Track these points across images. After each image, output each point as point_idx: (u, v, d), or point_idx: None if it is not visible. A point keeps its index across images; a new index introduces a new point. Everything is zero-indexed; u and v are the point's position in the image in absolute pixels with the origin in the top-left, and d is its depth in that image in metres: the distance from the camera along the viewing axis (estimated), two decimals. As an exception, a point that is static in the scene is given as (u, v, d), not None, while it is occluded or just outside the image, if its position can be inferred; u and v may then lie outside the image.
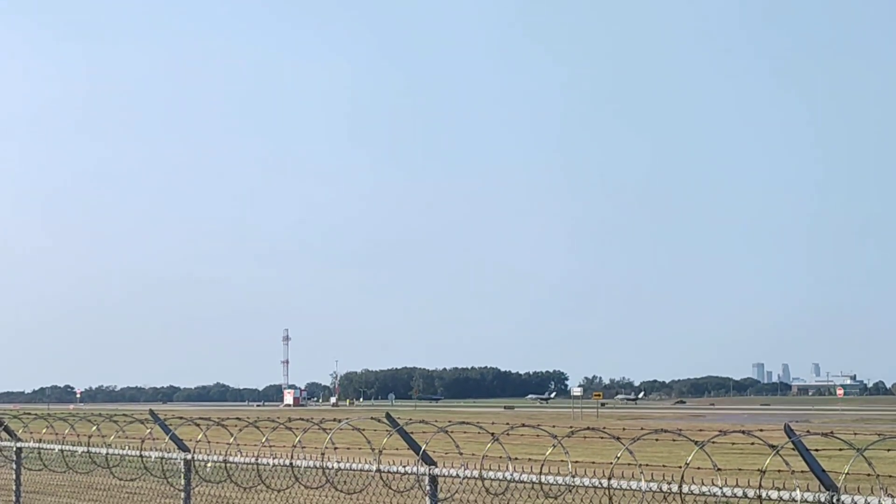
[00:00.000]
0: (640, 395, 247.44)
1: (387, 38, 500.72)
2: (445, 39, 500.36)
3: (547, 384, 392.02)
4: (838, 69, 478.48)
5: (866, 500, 8.01)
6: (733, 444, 10.29)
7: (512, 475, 10.36)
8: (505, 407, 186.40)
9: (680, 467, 8.89)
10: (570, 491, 10.06)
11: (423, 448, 11.18)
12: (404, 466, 11.36)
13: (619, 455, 9.48)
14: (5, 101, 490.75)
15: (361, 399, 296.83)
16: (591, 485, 9.62)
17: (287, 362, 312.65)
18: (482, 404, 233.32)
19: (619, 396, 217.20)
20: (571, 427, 10.91)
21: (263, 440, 12.86)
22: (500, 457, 10.62)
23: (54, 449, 16.40)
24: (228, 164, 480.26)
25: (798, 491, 8.28)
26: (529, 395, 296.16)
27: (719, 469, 9.05)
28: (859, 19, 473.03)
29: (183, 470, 14.15)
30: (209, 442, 13.90)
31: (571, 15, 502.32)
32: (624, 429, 11.52)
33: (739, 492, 8.66)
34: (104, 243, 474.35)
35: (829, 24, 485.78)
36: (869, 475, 8.56)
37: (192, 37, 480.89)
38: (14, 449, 17.41)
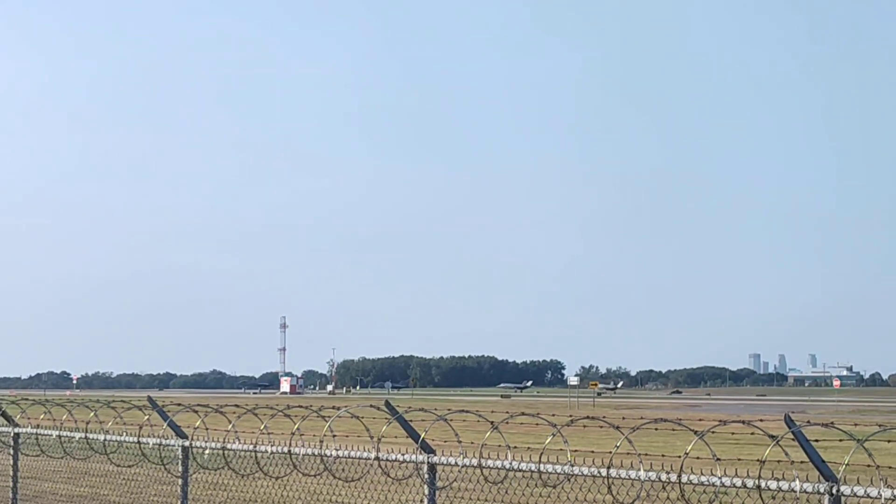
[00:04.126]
0: (620, 385, 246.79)
1: (390, 22, 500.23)
2: (452, 25, 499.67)
3: (544, 373, 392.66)
4: (854, 64, 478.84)
5: (866, 490, 8.01)
6: (732, 433, 10.34)
7: (511, 464, 10.35)
8: (502, 395, 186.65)
9: (679, 457, 8.88)
10: (569, 480, 10.05)
11: (421, 436, 11.17)
12: (403, 454, 11.35)
13: (618, 444, 9.48)
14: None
15: (358, 387, 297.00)
16: (590, 474, 9.62)
17: (284, 350, 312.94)
18: (475, 392, 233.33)
19: (600, 386, 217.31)
20: (571, 416, 10.90)
21: (262, 427, 12.84)
22: (499, 445, 10.60)
23: (52, 435, 16.38)
24: (228, 150, 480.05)
25: (798, 481, 8.28)
26: (501, 384, 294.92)
27: (718, 459, 9.04)
28: (876, 11, 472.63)
29: (181, 457, 14.14)
30: (207, 429, 13.87)
31: (582, 3, 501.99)
32: (623, 418, 11.52)
33: (738, 482, 8.66)
34: (101, 230, 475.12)
35: (846, 14, 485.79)
36: (868, 466, 8.55)
37: (183, 24, 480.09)
38: (11, 434, 17.40)
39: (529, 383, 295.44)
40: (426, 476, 11.21)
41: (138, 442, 14.55)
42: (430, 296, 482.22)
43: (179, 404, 15.57)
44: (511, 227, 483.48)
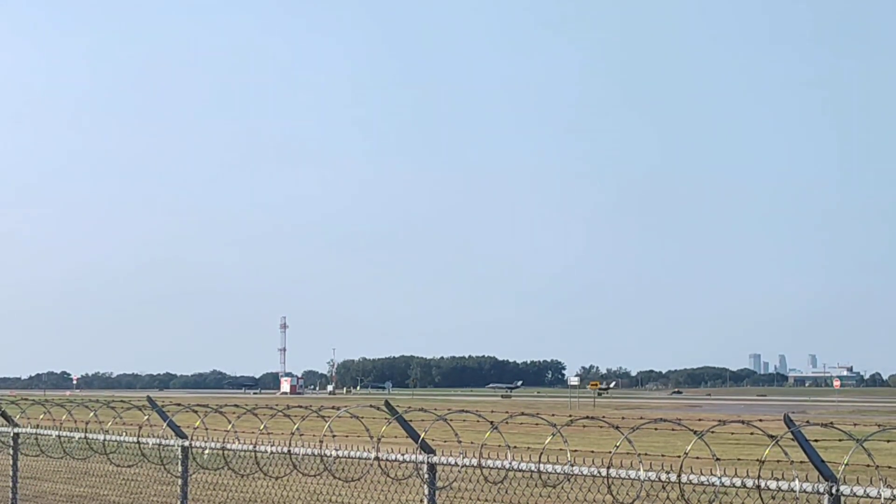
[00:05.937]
0: (613, 385, 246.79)
1: (389, 21, 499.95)
2: (451, 24, 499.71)
3: (544, 373, 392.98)
4: (853, 62, 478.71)
5: (866, 490, 8.01)
6: (731, 433, 10.35)
7: (511, 463, 10.35)
8: (502, 395, 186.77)
9: (678, 457, 8.88)
10: (569, 480, 10.05)
11: (421, 436, 11.16)
12: (403, 454, 11.35)
13: (618, 444, 9.47)
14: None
15: (358, 387, 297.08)
16: (589, 473, 9.62)
17: (284, 350, 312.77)
18: (475, 392, 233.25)
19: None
20: (570, 416, 10.90)
21: (261, 427, 12.84)
22: (499, 445, 10.60)
23: (51, 435, 16.37)
24: (229, 152, 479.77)
25: (797, 481, 8.28)
26: (490, 384, 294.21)
27: (718, 459, 9.04)
28: (877, 6, 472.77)
29: (180, 457, 14.13)
30: (207, 429, 13.87)
31: (582, 2, 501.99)
32: (623, 418, 11.51)
33: (738, 482, 8.66)
34: (101, 230, 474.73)
35: (847, 10, 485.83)
36: (868, 466, 8.55)
37: (182, 23, 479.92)
38: (11, 434, 17.39)
39: (520, 383, 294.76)
40: (426, 476, 11.21)
41: (138, 442, 14.54)
42: (430, 296, 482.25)
43: (179, 404, 15.55)
44: (511, 227, 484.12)
